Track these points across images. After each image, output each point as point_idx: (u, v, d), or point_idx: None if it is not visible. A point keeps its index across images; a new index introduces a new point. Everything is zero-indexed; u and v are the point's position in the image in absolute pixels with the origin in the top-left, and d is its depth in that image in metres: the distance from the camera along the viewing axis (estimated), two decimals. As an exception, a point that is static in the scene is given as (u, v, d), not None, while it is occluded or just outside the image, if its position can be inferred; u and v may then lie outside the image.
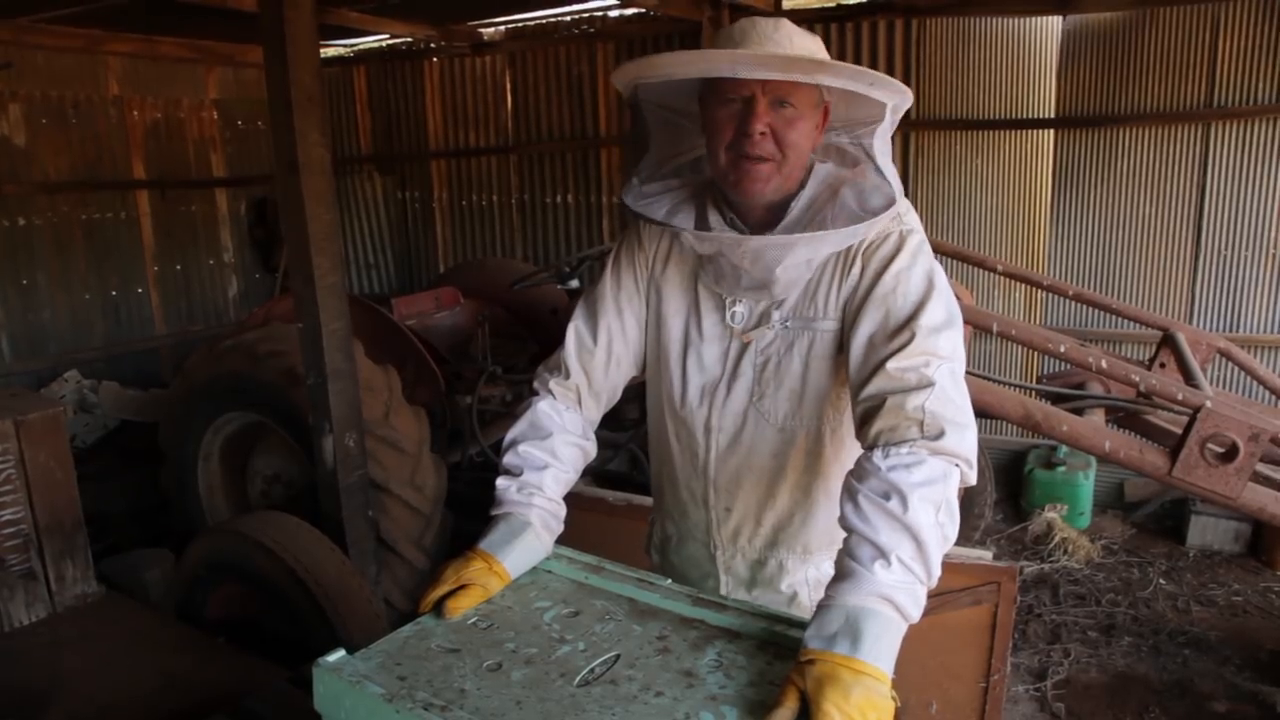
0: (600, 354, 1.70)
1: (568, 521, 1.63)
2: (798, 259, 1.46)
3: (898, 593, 1.19)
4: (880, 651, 1.14)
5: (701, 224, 1.56)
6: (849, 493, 1.30)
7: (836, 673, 1.10)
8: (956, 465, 1.31)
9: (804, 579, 1.68)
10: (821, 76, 1.41)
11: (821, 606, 1.21)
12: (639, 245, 1.69)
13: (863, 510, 1.26)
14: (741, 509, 1.66)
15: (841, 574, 1.23)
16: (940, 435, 1.30)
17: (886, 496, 1.25)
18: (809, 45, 1.46)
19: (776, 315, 1.56)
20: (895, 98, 1.43)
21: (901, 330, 1.39)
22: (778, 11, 5.37)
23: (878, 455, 1.32)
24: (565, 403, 1.71)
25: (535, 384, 1.74)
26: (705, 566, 1.75)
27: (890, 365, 1.37)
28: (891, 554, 1.20)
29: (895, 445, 1.32)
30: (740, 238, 1.47)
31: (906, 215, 1.51)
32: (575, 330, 1.72)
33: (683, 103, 1.56)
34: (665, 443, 1.73)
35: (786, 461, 1.60)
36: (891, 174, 1.48)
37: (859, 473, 1.33)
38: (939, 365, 1.35)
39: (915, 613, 1.21)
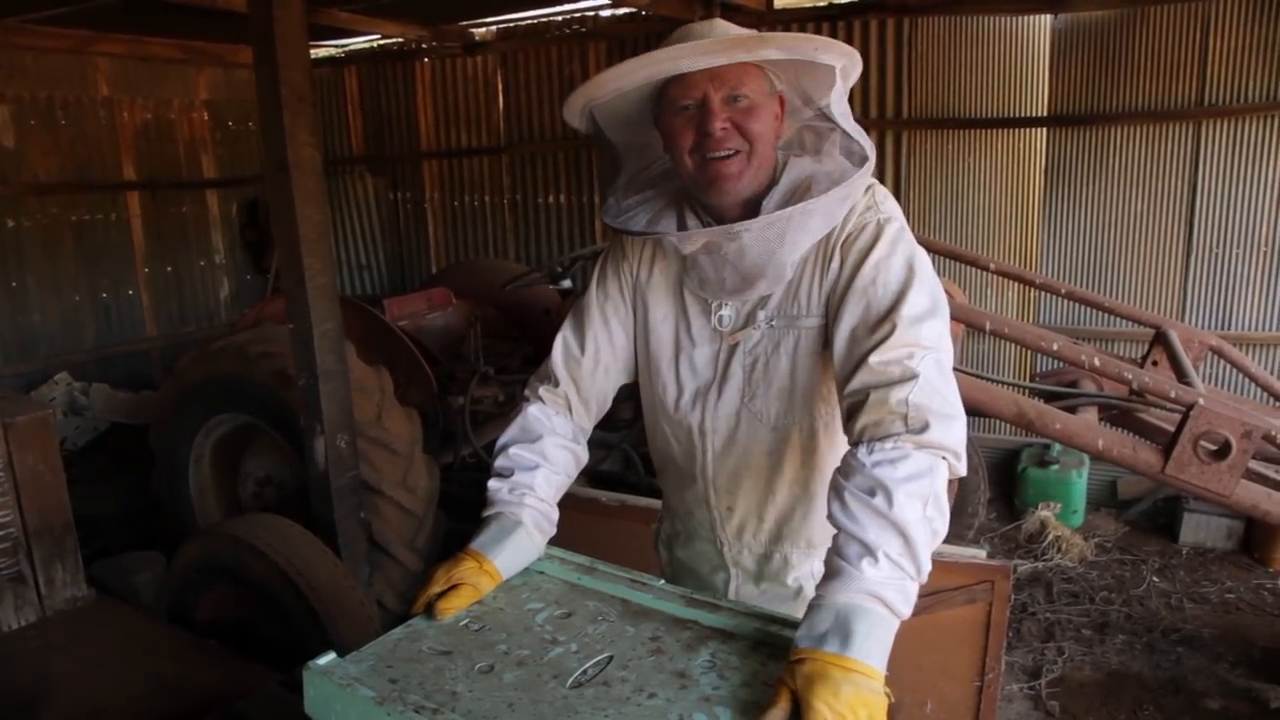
0: (588, 363, 1.70)
1: (561, 522, 1.62)
2: (793, 240, 1.43)
3: (886, 589, 1.18)
4: (871, 649, 1.13)
5: (682, 228, 1.55)
6: (835, 490, 1.30)
7: (826, 671, 1.10)
8: (943, 458, 1.30)
9: (809, 573, 1.68)
10: (765, 50, 1.40)
11: (812, 606, 1.20)
12: (623, 254, 1.69)
13: (849, 507, 1.25)
14: (743, 507, 1.67)
15: (830, 572, 1.23)
16: (925, 428, 1.29)
17: (872, 493, 1.24)
18: (747, 33, 1.45)
19: (762, 315, 1.55)
20: (843, 59, 1.43)
21: (883, 322, 1.38)
22: (769, 11, 5.38)
23: (863, 451, 1.31)
24: (555, 408, 1.71)
25: (526, 391, 1.75)
26: (714, 560, 1.76)
27: (872, 359, 1.35)
28: (879, 551, 1.20)
29: (879, 440, 1.31)
30: (730, 227, 1.44)
31: (884, 203, 1.50)
32: (563, 339, 1.73)
33: (641, 121, 1.55)
34: (664, 446, 1.73)
35: (783, 459, 1.60)
36: (859, 132, 1.47)
37: (845, 469, 1.32)
38: (923, 356, 1.34)
39: (905, 609, 1.20)
